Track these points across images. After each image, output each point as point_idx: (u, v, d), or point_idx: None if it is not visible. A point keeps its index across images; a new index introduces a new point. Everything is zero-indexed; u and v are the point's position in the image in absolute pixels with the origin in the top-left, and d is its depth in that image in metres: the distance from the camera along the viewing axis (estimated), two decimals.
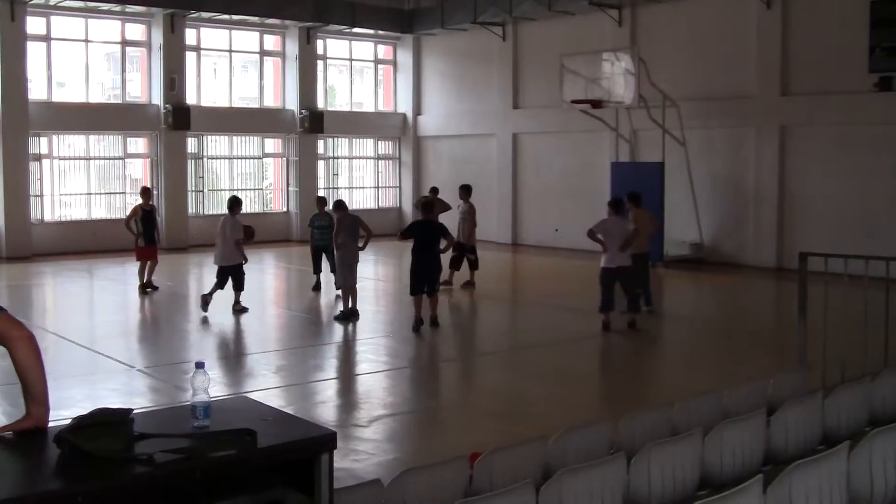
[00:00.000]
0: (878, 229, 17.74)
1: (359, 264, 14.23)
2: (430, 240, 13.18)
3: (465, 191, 17.09)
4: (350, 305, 13.91)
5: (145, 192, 16.94)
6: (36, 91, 22.59)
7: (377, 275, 17.42)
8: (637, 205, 14.25)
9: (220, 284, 14.20)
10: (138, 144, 24.54)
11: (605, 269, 12.96)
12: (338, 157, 28.44)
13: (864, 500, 4.27)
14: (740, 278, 18.92)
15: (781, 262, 19.43)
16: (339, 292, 14.57)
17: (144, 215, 16.16)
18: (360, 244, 14.21)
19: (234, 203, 14.49)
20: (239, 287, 14.30)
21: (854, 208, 18.46)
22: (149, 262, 16.17)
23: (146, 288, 16.18)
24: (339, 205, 14.61)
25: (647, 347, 12.99)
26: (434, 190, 17.65)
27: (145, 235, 16.07)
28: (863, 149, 18.41)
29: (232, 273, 14.19)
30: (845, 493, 4.11)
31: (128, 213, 17.04)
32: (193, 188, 25.03)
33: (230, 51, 26.02)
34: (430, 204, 14.17)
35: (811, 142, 19.32)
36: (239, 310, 14.33)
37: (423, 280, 13.15)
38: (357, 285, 14.08)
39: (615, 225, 13.04)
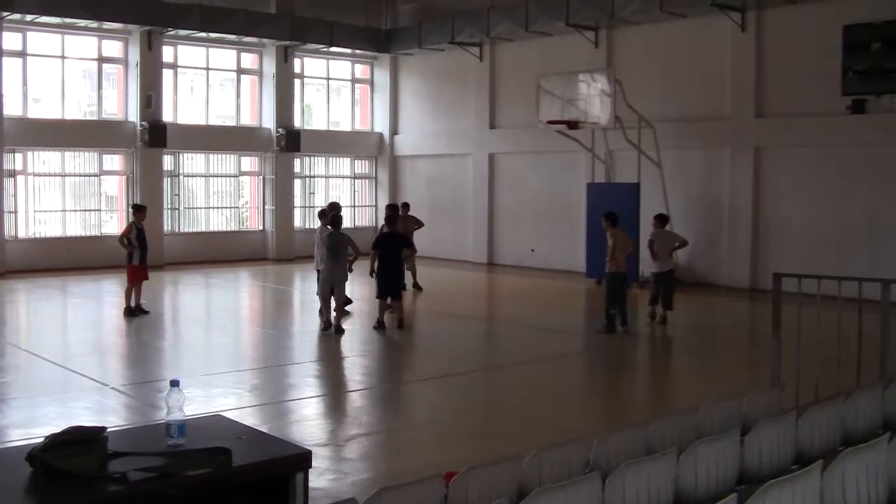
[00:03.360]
0: (852, 250, 17.92)
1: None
2: (395, 249, 14.95)
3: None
4: (326, 320, 14.41)
5: (141, 210, 16.24)
6: (11, 107, 22.43)
7: (352, 293, 17.30)
8: (614, 224, 14.47)
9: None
10: (114, 161, 24.42)
11: (656, 273, 15.32)
12: (314, 176, 28.42)
13: None
14: (714, 298, 19.01)
15: (755, 283, 19.58)
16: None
17: (139, 233, 15.61)
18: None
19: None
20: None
21: (827, 229, 18.63)
22: (137, 284, 15.68)
23: (136, 312, 15.61)
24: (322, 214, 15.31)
25: (622, 366, 13.04)
26: (405, 206, 19.66)
27: (141, 254, 15.53)
28: (836, 170, 18.60)
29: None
30: None
31: (123, 229, 16.43)
32: (169, 206, 24.92)
33: (207, 68, 25.98)
34: (393, 217, 16.32)
35: (785, 163, 19.50)
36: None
37: (390, 285, 14.76)
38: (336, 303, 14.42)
39: (665, 236, 15.67)
